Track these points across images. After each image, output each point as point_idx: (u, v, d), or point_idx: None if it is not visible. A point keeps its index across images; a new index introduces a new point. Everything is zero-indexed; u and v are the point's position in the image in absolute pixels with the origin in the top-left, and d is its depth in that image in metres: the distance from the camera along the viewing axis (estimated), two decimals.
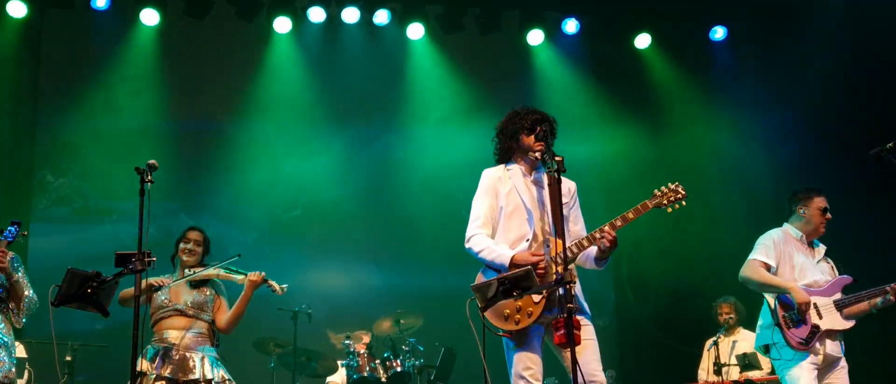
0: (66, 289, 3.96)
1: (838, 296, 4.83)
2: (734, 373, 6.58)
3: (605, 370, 3.87)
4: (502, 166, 4.06)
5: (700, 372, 7.08)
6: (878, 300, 4.84)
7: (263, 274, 4.95)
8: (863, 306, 4.86)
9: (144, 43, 8.49)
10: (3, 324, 4.48)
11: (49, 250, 7.78)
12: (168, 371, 4.69)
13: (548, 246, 3.77)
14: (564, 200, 3.80)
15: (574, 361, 3.43)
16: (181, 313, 4.88)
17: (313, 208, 8.86)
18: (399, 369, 6.97)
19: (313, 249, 8.77)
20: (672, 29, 8.99)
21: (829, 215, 4.95)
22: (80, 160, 8.42)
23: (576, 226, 3.99)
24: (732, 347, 6.82)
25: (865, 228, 7.53)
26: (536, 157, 3.90)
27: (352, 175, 8.92)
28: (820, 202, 4.96)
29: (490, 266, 3.86)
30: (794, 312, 4.74)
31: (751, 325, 6.57)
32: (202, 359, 4.81)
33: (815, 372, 4.71)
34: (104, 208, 8.46)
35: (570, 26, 8.94)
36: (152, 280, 4.78)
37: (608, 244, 3.74)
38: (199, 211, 8.38)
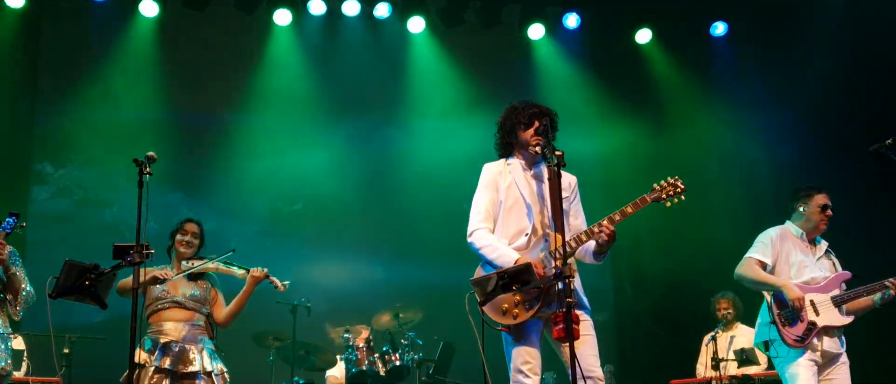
0: (64, 281, 3.95)
1: (836, 292, 4.83)
2: (732, 368, 6.59)
3: (603, 365, 3.87)
4: (503, 160, 4.05)
5: (698, 367, 7.09)
6: (877, 296, 4.83)
7: (266, 270, 4.95)
8: (863, 302, 4.86)
9: (144, 34, 8.47)
10: None
11: (49, 242, 7.77)
12: (167, 362, 4.69)
13: (547, 240, 3.76)
14: (565, 195, 3.78)
15: (573, 356, 3.42)
16: (180, 305, 4.87)
17: (313, 201, 8.86)
18: (398, 363, 6.97)
19: (313, 243, 8.77)
20: (673, 24, 8.98)
21: (829, 212, 4.93)
22: (79, 151, 8.41)
23: (576, 221, 3.98)
24: (730, 342, 6.83)
25: (865, 226, 7.53)
26: (536, 151, 3.90)
27: (351, 169, 8.92)
28: (820, 199, 4.95)
29: (490, 263, 3.85)
30: (788, 310, 4.75)
31: (749, 321, 6.60)
32: (201, 351, 4.81)
33: (814, 368, 4.71)
34: (104, 200, 8.46)
35: (571, 21, 8.94)
36: (158, 272, 4.78)
37: (606, 238, 3.73)
38: (199, 203, 8.37)
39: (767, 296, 4.86)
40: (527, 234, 3.85)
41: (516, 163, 4.01)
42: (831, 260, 5.00)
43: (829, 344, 4.75)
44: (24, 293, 4.53)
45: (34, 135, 8.40)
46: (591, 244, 3.84)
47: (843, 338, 4.84)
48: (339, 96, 8.93)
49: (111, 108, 8.39)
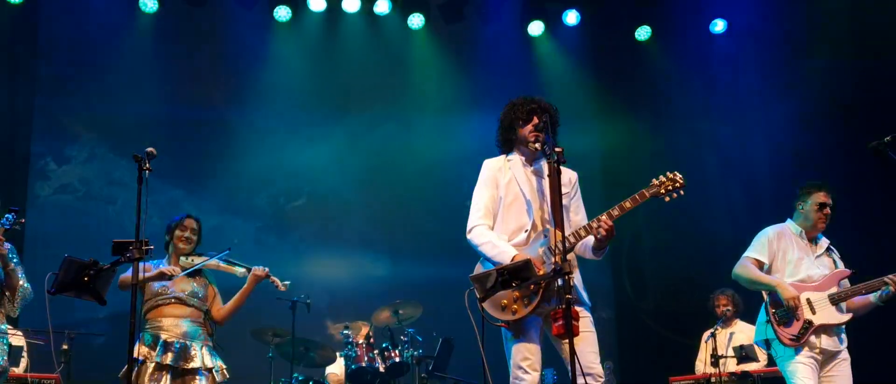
0: (63, 276, 3.94)
1: (834, 290, 4.81)
2: (731, 364, 6.58)
3: (602, 361, 3.87)
4: (503, 157, 4.05)
5: (697, 363, 7.09)
6: (875, 294, 4.82)
7: (267, 270, 4.97)
8: (863, 300, 4.85)
9: (144, 29, 8.46)
10: None
11: (51, 238, 7.77)
12: (169, 358, 4.69)
13: (546, 236, 3.76)
14: (565, 190, 3.78)
15: (572, 352, 3.42)
16: (181, 302, 4.87)
17: (313, 198, 8.85)
18: (397, 359, 6.97)
19: (312, 239, 8.77)
20: (672, 21, 8.97)
21: (827, 211, 4.90)
22: (81, 147, 8.40)
23: (577, 217, 3.97)
24: (729, 339, 6.83)
25: (864, 223, 7.53)
26: (535, 147, 3.89)
27: (351, 165, 8.91)
28: (818, 197, 4.92)
29: (489, 260, 3.85)
30: (783, 309, 4.74)
31: (748, 317, 6.59)
32: (202, 347, 4.82)
33: (813, 365, 4.70)
34: (106, 196, 8.46)
35: (571, 18, 8.94)
36: (164, 269, 4.78)
37: (604, 233, 3.73)
38: (201, 199, 8.37)
39: (765, 296, 4.86)
40: (526, 230, 3.85)
41: (516, 159, 4.00)
42: (832, 258, 4.98)
43: (828, 342, 4.74)
44: (21, 290, 4.53)
45: (33, 130, 8.38)
46: (590, 240, 3.83)
47: (844, 335, 4.82)
48: (340, 92, 8.93)
49: (111, 104, 8.38)
